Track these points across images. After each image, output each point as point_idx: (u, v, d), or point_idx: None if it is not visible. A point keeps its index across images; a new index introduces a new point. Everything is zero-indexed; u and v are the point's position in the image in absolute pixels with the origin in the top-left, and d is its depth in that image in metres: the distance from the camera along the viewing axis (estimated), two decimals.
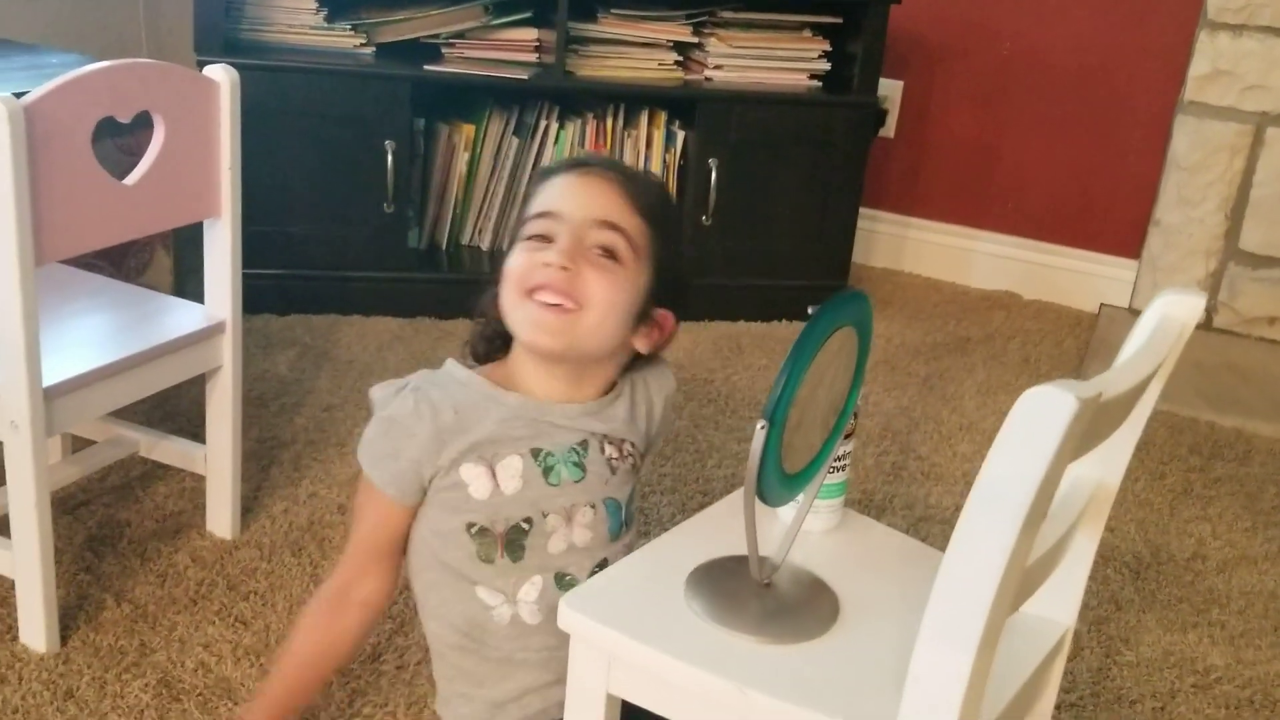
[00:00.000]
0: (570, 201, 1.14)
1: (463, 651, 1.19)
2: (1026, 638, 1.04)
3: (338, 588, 1.21)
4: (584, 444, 1.17)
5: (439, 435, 1.12)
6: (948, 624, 0.80)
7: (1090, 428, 0.78)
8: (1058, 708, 1.49)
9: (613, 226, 1.13)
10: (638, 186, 1.17)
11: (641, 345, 1.19)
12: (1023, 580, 0.83)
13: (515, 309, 1.13)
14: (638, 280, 1.14)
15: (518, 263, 1.14)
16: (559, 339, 1.12)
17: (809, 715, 0.88)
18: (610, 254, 1.12)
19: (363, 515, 1.20)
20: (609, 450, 1.19)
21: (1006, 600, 0.80)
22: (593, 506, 1.17)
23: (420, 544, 1.18)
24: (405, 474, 1.14)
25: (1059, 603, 1.06)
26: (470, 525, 1.14)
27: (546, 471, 1.14)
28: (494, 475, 1.13)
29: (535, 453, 1.14)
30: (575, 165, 1.19)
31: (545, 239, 1.13)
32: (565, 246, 1.11)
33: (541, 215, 1.14)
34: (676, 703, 0.96)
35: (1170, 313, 0.96)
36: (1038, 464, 0.74)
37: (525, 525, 1.14)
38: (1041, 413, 0.74)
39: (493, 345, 1.22)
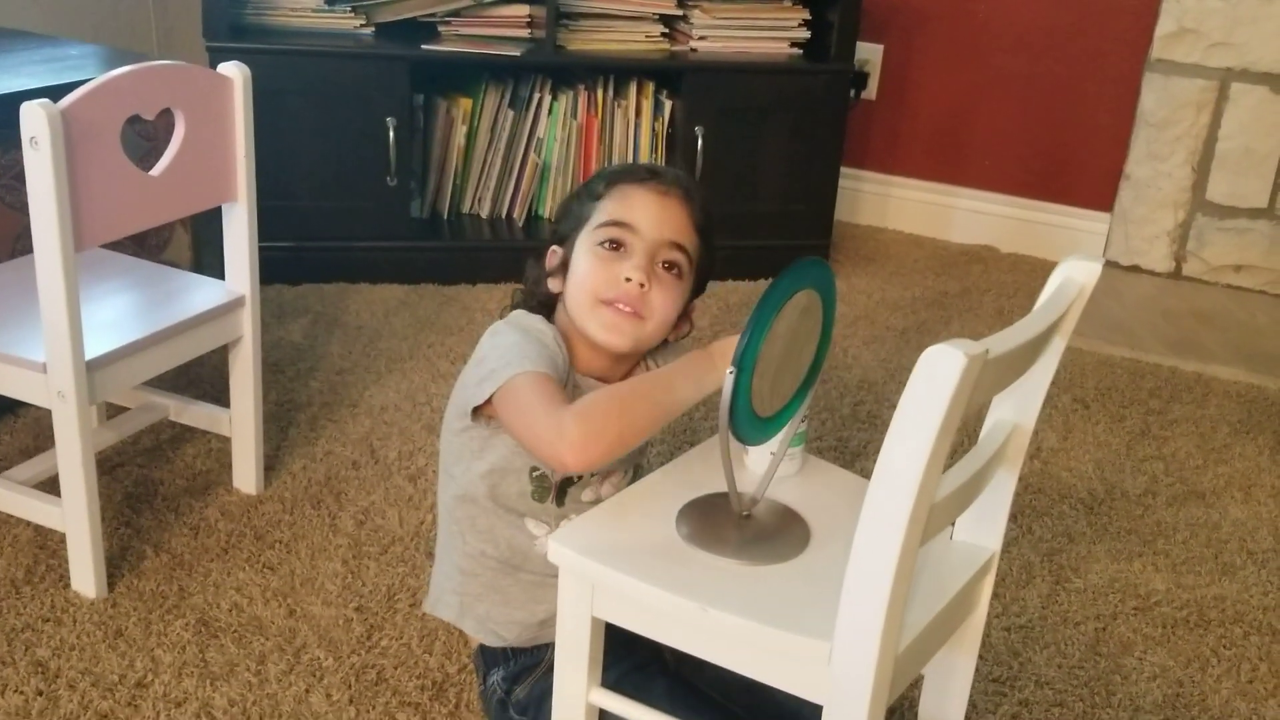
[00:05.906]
0: (648, 219, 1.27)
1: (500, 572, 1.35)
2: (956, 560, 1.19)
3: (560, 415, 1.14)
4: None
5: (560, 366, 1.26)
6: (872, 546, 0.95)
7: (982, 379, 0.92)
8: (1007, 629, 1.66)
9: (680, 247, 1.29)
10: (698, 205, 1.32)
11: (671, 336, 1.36)
12: (936, 509, 0.98)
13: (590, 311, 1.27)
14: (687, 289, 1.32)
15: (594, 272, 1.27)
16: (626, 340, 1.27)
17: (758, 627, 1.03)
18: (675, 270, 1.29)
19: (532, 393, 1.18)
20: None
21: (919, 525, 0.95)
22: (625, 473, 1.37)
23: (476, 478, 1.32)
24: (557, 362, 1.24)
25: (984, 530, 1.21)
26: (534, 469, 1.30)
27: None
28: None
29: None
30: (651, 177, 1.31)
31: (620, 246, 1.27)
32: (643, 264, 1.26)
33: (619, 224, 1.27)
34: (650, 622, 1.12)
35: (1071, 276, 1.10)
36: (936, 410, 0.88)
37: (575, 479, 1.33)
38: (937, 368, 0.88)
39: (536, 313, 1.36)
